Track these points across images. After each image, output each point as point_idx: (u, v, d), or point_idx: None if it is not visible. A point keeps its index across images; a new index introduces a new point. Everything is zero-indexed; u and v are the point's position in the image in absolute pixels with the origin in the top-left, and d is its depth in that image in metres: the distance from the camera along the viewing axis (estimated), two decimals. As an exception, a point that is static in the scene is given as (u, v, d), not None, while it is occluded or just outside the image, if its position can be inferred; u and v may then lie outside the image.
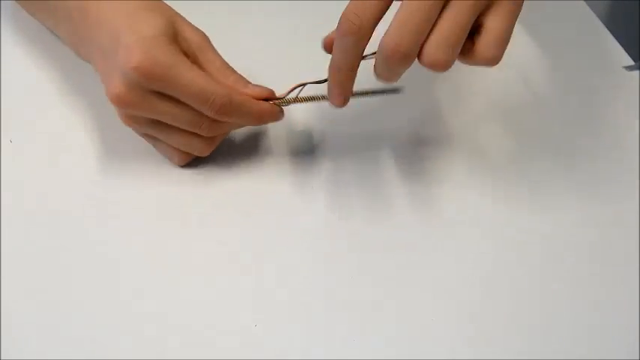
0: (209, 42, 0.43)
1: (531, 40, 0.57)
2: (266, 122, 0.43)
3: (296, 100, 0.43)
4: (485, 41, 0.36)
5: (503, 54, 0.37)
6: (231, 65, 0.43)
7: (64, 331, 0.37)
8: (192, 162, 0.45)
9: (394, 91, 0.45)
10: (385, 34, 0.35)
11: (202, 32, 0.43)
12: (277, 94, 0.43)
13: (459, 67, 0.52)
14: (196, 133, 0.42)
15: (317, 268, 0.41)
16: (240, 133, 0.48)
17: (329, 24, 0.56)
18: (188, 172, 0.45)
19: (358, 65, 0.37)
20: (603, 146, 0.48)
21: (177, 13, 0.43)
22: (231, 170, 0.45)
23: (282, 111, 0.43)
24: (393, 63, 0.35)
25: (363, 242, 0.42)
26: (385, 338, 0.38)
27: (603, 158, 0.48)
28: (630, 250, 0.42)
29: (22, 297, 0.39)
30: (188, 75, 0.38)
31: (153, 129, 0.42)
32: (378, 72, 0.37)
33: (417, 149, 0.47)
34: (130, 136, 0.46)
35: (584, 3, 0.61)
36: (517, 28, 0.57)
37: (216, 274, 0.40)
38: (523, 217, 0.44)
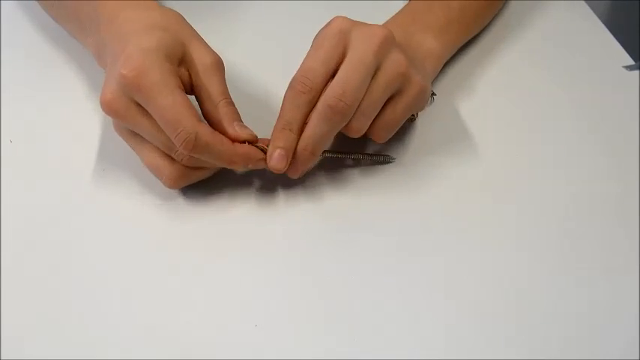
0: (219, 67, 0.42)
1: (531, 40, 0.57)
2: (241, 166, 0.41)
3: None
4: (377, 126, 0.42)
5: (388, 136, 0.43)
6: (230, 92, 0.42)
7: (64, 331, 0.37)
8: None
9: (385, 158, 0.46)
10: (329, 88, 0.40)
11: (216, 56, 0.42)
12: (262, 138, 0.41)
13: (455, 67, 0.52)
14: (170, 158, 0.41)
15: (317, 269, 0.41)
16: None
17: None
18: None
19: (302, 128, 0.41)
20: (603, 146, 0.48)
21: (194, 33, 0.43)
22: (234, 176, 0.45)
23: (264, 158, 0.41)
24: (334, 115, 0.39)
25: (364, 242, 0.42)
26: (385, 338, 0.38)
27: (603, 158, 0.48)
28: (631, 250, 0.42)
29: (22, 297, 0.39)
30: (166, 99, 0.38)
31: (133, 141, 0.42)
32: (311, 128, 0.40)
33: (416, 148, 0.47)
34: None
35: (584, 3, 0.61)
36: (517, 28, 0.58)
37: (216, 274, 0.40)
38: (522, 216, 0.44)
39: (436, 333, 0.38)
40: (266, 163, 0.41)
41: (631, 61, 0.55)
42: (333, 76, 0.40)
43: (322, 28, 0.42)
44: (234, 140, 0.41)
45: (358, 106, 0.40)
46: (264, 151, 0.41)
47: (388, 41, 0.41)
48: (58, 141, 0.47)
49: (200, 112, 0.42)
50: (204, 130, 0.39)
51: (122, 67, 0.38)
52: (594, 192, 0.45)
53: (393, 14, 0.50)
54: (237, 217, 0.43)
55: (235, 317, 0.38)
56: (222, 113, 0.41)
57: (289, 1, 0.59)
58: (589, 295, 0.40)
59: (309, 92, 0.40)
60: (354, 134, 0.42)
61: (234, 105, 0.42)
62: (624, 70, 0.54)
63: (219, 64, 0.42)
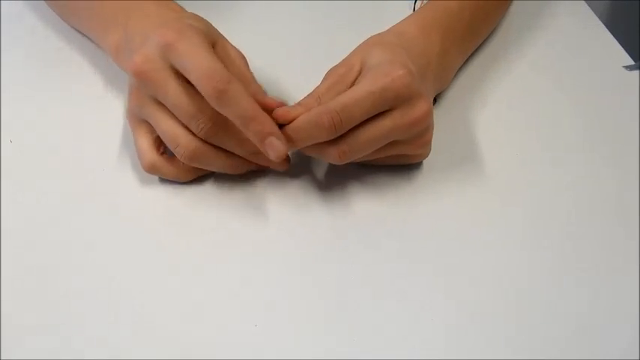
0: (244, 60, 0.44)
1: (531, 40, 0.57)
2: (254, 135, 0.39)
3: None
4: (369, 156, 0.43)
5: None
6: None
7: (64, 331, 0.37)
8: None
9: None
10: (340, 142, 0.40)
11: (241, 53, 0.44)
12: None
13: (461, 70, 0.52)
14: (188, 130, 0.41)
15: (317, 269, 0.41)
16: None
17: (334, 26, 0.56)
18: (196, 180, 0.45)
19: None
20: (603, 146, 0.48)
21: (220, 34, 0.44)
22: (235, 176, 0.45)
23: (284, 141, 0.39)
24: (335, 160, 0.41)
25: (364, 242, 0.42)
26: (385, 338, 0.38)
27: (603, 158, 0.48)
28: (631, 250, 0.42)
29: (22, 297, 0.39)
30: (205, 56, 0.39)
31: (152, 108, 0.41)
32: (312, 150, 0.41)
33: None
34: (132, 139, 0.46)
35: (584, 3, 0.61)
36: (517, 29, 0.58)
37: (217, 274, 0.40)
38: (523, 217, 0.44)
39: (436, 333, 0.38)
40: (284, 148, 0.40)
41: (631, 61, 0.55)
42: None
43: (385, 74, 0.40)
44: (266, 107, 0.40)
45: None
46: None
47: (425, 124, 0.42)
48: (57, 141, 0.47)
49: None
50: (237, 81, 0.39)
51: (161, 32, 0.39)
52: (594, 192, 0.45)
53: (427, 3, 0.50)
54: (238, 217, 0.43)
55: (235, 317, 0.38)
56: (252, 91, 0.41)
57: (292, 1, 0.59)
58: (589, 295, 0.40)
59: (332, 132, 0.40)
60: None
61: (261, 87, 0.43)
62: (624, 70, 0.54)
63: (244, 58, 0.44)
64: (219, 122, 0.40)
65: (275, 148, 0.39)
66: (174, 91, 0.40)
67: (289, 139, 0.40)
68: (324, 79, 0.44)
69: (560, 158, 0.48)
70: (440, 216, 0.44)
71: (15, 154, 0.46)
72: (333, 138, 0.40)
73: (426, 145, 0.44)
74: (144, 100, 0.41)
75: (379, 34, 0.46)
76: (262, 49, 0.54)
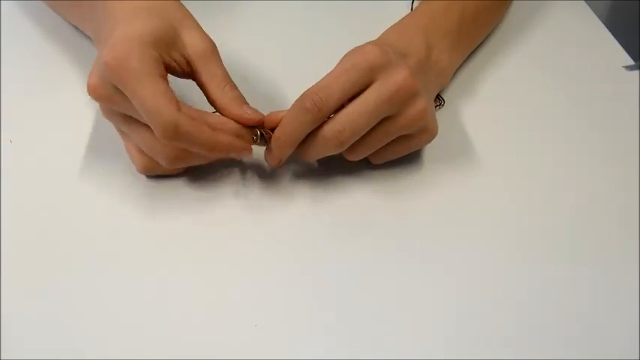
0: (215, 52, 0.42)
1: (531, 40, 0.57)
2: (225, 155, 0.41)
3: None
4: (378, 154, 0.44)
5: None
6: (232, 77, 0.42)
7: (64, 331, 0.37)
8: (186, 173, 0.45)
9: None
10: (332, 120, 0.40)
11: (210, 41, 0.42)
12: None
13: (461, 69, 0.52)
14: None
15: (317, 269, 0.41)
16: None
17: (334, 26, 0.56)
18: (191, 177, 0.45)
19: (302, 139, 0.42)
20: (603, 146, 0.48)
21: (187, 17, 0.42)
22: (235, 175, 0.45)
23: (248, 149, 0.41)
24: (327, 146, 0.41)
25: (364, 243, 0.42)
26: (385, 339, 0.38)
27: (603, 158, 0.48)
28: (631, 251, 0.42)
29: (22, 297, 0.39)
30: (146, 88, 0.37)
31: (124, 123, 0.41)
32: (305, 148, 0.42)
33: (419, 151, 0.47)
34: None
35: (584, 3, 0.61)
36: (517, 29, 0.58)
37: (216, 274, 0.40)
38: (523, 217, 0.44)
39: (436, 333, 0.38)
40: (249, 153, 0.41)
41: (631, 61, 0.55)
42: (349, 99, 0.41)
43: (356, 52, 0.41)
44: (244, 123, 0.41)
45: (364, 138, 0.41)
46: (267, 137, 0.41)
47: (409, 90, 0.40)
48: (57, 141, 0.47)
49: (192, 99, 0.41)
50: (184, 119, 0.38)
51: (106, 55, 0.38)
52: (594, 192, 0.45)
53: (412, 11, 0.50)
54: (238, 217, 0.43)
55: (235, 317, 0.38)
56: (229, 97, 0.41)
57: (292, 1, 0.59)
58: (589, 295, 0.40)
59: (316, 112, 0.40)
60: (351, 159, 0.43)
61: (237, 88, 0.42)
62: (624, 70, 0.54)
63: (213, 49, 0.42)
64: None
65: (271, 160, 0.42)
66: (134, 109, 0.39)
67: (280, 143, 0.41)
68: None
69: (560, 158, 0.48)
70: (440, 215, 0.44)
71: (15, 154, 0.46)
72: (320, 121, 0.40)
73: (423, 117, 0.42)
74: (110, 116, 0.41)
75: None
76: (262, 49, 0.54)
